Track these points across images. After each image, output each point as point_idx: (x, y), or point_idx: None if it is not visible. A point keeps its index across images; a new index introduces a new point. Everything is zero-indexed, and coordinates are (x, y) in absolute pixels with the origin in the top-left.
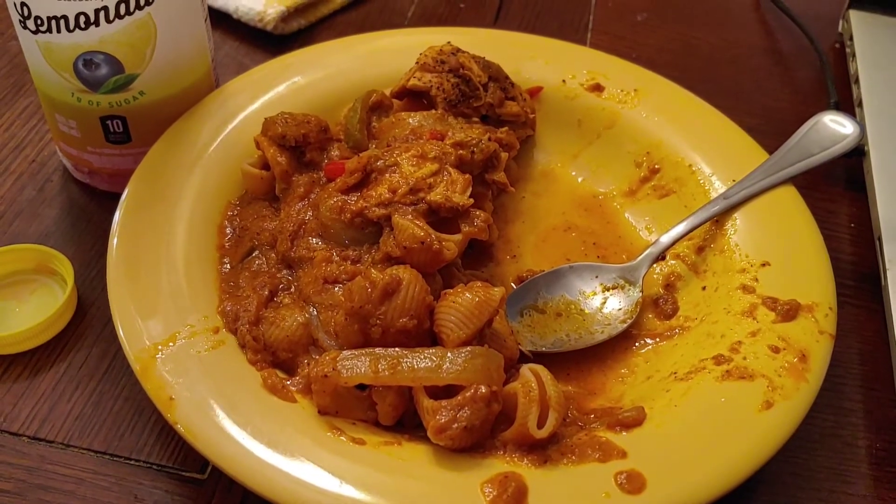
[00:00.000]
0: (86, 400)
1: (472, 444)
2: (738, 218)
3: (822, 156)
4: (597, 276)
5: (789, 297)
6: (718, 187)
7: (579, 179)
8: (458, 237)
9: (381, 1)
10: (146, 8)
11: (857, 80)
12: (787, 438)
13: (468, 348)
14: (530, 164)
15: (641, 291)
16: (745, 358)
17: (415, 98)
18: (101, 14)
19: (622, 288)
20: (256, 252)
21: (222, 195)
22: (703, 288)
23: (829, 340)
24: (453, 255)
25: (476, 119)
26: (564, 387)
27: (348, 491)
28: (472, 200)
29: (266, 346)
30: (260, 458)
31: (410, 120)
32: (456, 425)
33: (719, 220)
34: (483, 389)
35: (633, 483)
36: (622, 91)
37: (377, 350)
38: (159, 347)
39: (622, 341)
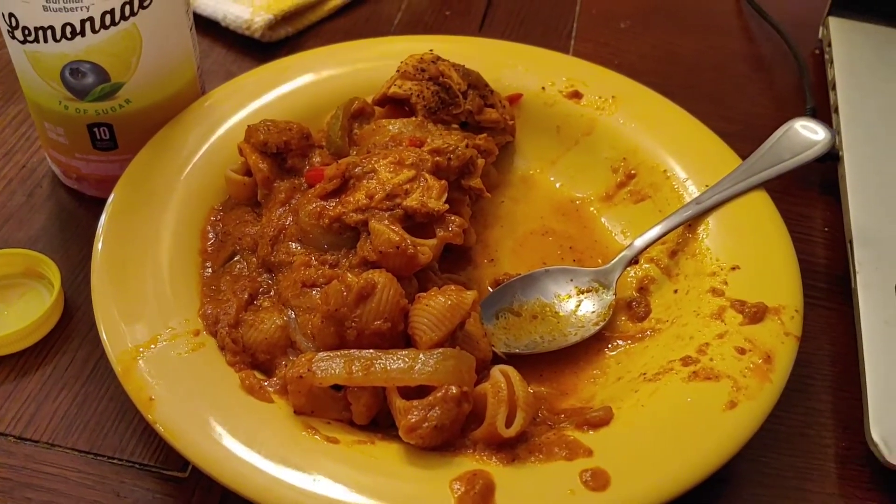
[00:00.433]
0: (71, 401)
1: (443, 442)
2: (711, 222)
3: (793, 161)
4: (571, 280)
5: (757, 300)
6: (692, 192)
7: (557, 185)
8: (432, 242)
9: (369, 9)
10: (131, 18)
11: (834, 86)
12: (749, 437)
13: (440, 350)
14: (510, 170)
15: (615, 294)
16: (711, 359)
17: (396, 105)
18: (87, 24)
19: (596, 291)
20: (238, 256)
21: (206, 201)
22: (675, 291)
23: (794, 342)
24: (428, 259)
25: (455, 126)
26: (537, 388)
27: (322, 488)
28: (447, 206)
29: (245, 348)
30: (237, 456)
31: (391, 127)
32: (426, 424)
33: (692, 224)
34: (453, 390)
35: (597, 480)
36: (600, 98)
37: (352, 351)
38: (141, 349)
39: (595, 343)
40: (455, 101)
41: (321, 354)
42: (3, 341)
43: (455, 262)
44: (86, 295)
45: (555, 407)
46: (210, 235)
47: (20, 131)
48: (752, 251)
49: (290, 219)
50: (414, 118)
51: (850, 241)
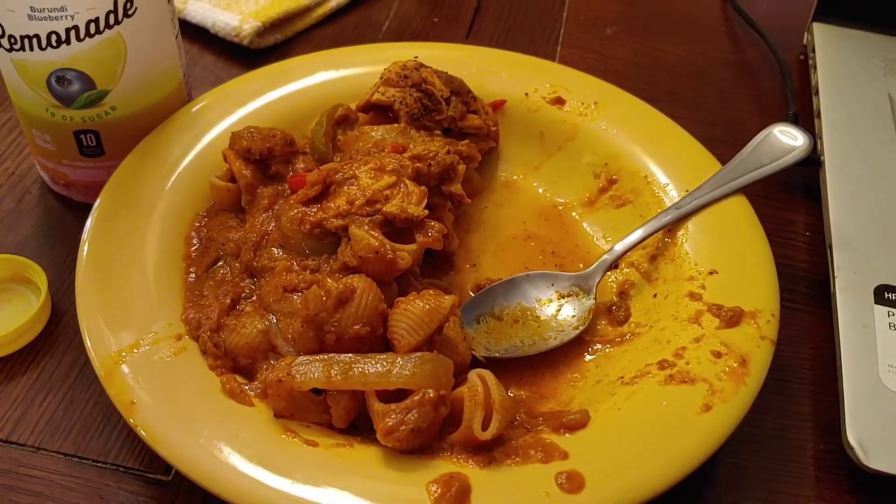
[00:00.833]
0: (57, 405)
1: (420, 445)
2: (690, 227)
3: (772, 166)
4: (552, 284)
5: (734, 304)
6: (673, 197)
7: (540, 190)
8: (412, 247)
9: (357, 16)
10: (116, 27)
11: (817, 92)
12: (724, 440)
13: (418, 354)
14: (493, 176)
15: (595, 299)
16: (688, 363)
17: (379, 112)
18: (72, 33)
19: (576, 295)
20: (221, 262)
21: (191, 207)
22: (655, 295)
23: (769, 346)
24: (407, 265)
25: (438, 132)
26: (517, 391)
27: (300, 491)
28: (426, 212)
29: (227, 352)
30: (218, 459)
31: (374, 133)
32: (404, 427)
33: (672, 228)
34: (431, 393)
35: (572, 483)
36: (583, 104)
37: (331, 356)
38: (123, 354)
39: (575, 347)
40: (438, 108)
41: (301, 359)
42: None
43: (438, 266)
44: (73, 300)
45: (533, 410)
46: (194, 241)
47: (10, 138)
48: (730, 256)
49: (272, 224)
50: (397, 125)
51: (830, 245)
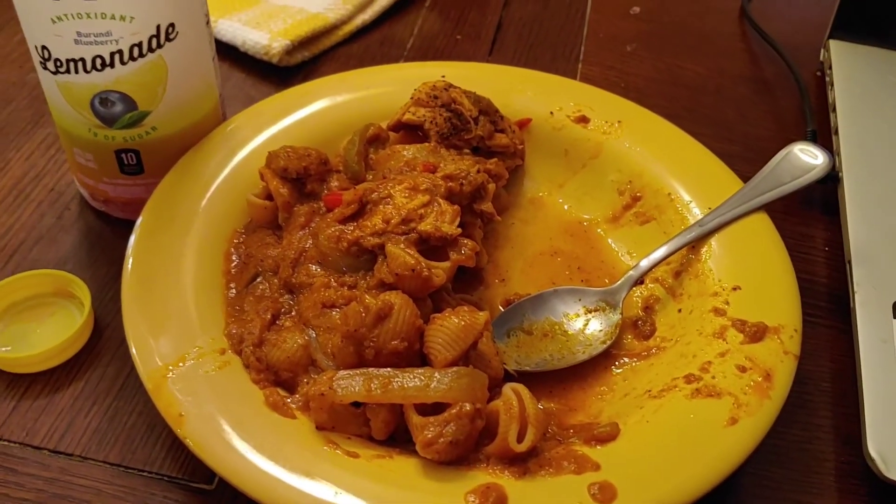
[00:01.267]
0: (102, 415)
1: (458, 457)
2: (714, 244)
3: (792, 184)
4: (580, 300)
5: (757, 320)
6: (696, 214)
7: (565, 207)
8: (446, 264)
9: (382, 33)
10: (158, 51)
11: (834, 109)
12: (749, 452)
13: (454, 368)
14: (519, 193)
15: (621, 314)
16: (713, 377)
17: (410, 131)
18: (116, 56)
19: (603, 310)
20: (260, 278)
21: (229, 224)
22: (679, 310)
23: (793, 360)
24: (442, 282)
25: (467, 151)
26: (547, 404)
27: (343, 500)
28: (459, 230)
29: (268, 366)
30: (262, 469)
31: (405, 152)
32: (442, 440)
33: (695, 245)
34: (467, 407)
35: (605, 493)
36: (607, 122)
37: (371, 370)
38: (170, 367)
39: (602, 361)
40: (467, 127)
41: (341, 373)
42: (37, 359)
43: (468, 282)
44: (114, 313)
45: (564, 422)
46: (233, 257)
47: (48, 154)
48: (753, 272)
49: (309, 242)
50: (427, 143)
51: (849, 261)
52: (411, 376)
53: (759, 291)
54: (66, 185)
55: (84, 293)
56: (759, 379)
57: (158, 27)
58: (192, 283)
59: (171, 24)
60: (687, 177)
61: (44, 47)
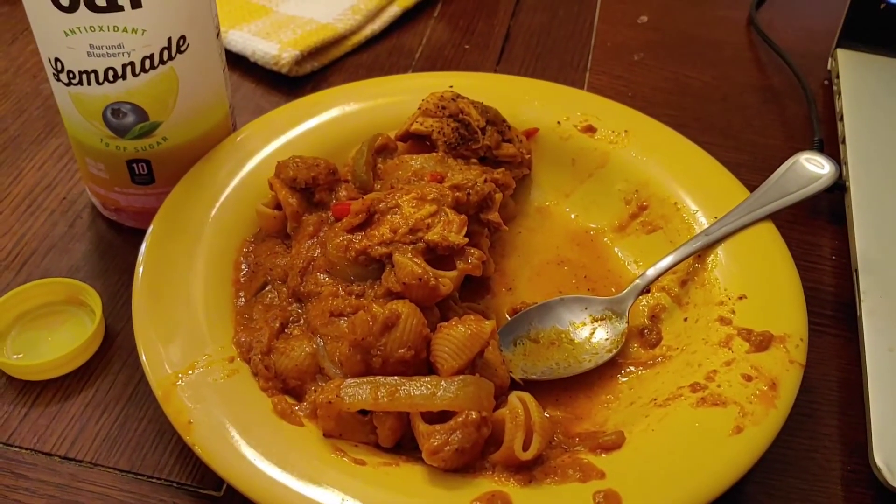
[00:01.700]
0: (112, 422)
1: (464, 465)
2: (720, 253)
3: (798, 194)
4: (586, 308)
5: (763, 329)
6: (702, 223)
7: (572, 216)
8: (453, 273)
9: (390, 43)
10: (169, 62)
11: (841, 118)
12: (755, 461)
13: (461, 377)
14: (526, 202)
15: (627, 322)
16: (719, 386)
17: (418, 141)
18: (128, 68)
19: (609, 319)
20: (269, 287)
21: (238, 233)
22: (685, 319)
23: (798, 369)
24: (449, 291)
25: (475, 160)
26: (553, 412)
27: None
28: (466, 239)
29: (277, 374)
30: (270, 476)
31: (413, 162)
32: (448, 448)
33: (702, 254)
34: (473, 415)
35: (609, 501)
36: (613, 132)
37: (378, 378)
38: (179, 375)
39: (608, 369)
40: (474, 137)
41: (349, 381)
42: (48, 366)
43: (474, 290)
44: (125, 321)
45: (569, 431)
46: (242, 266)
47: (61, 164)
48: (759, 281)
49: (318, 251)
50: (435, 153)
51: (856, 270)
52: (418, 385)
53: (764, 300)
54: (78, 194)
55: (95, 301)
56: (765, 388)
57: (170, 39)
58: (201, 291)
59: (182, 37)
60: (693, 186)
61: (57, 59)
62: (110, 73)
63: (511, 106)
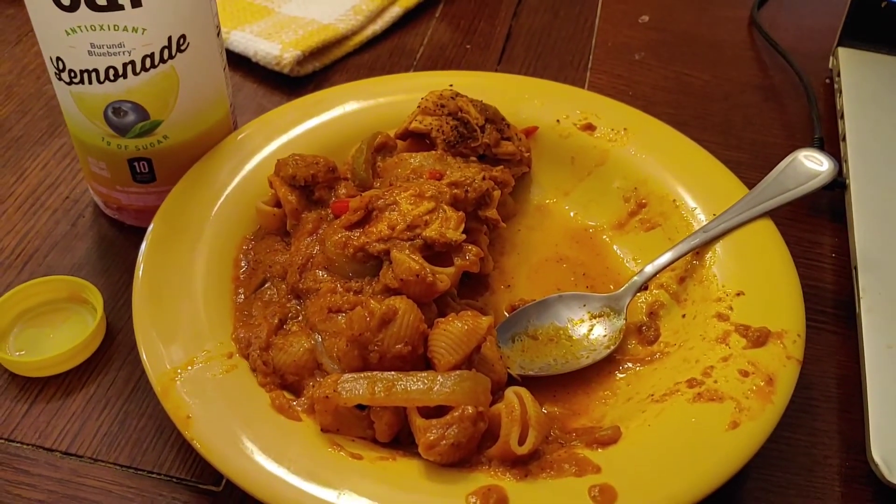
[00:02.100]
0: (113, 419)
1: (460, 459)
2: (718, 249)
3: (797, 191)
4: (584, 305)
5: (760, 325)
6: (700, 220)
7: (571, 214)
8: (450, 270)
9: (392, 44)
10: (169, 61)
11: (842, 116)
12: (751, 456)
13: (457, 372)
14: (526, 200)
15: (625, 319)
16: (716, 381)
17: (417, 139)
18: (129, 67)
19: (607, 316)
20: (268, 283)
21: (238, 231)
22: (683, 316)
23: (795, 365)
24: (446, 287)
25: (474, 158)
26: (550, 408)
27: (347, 501)
28: (464, 236)
29: (275, 369)
30: (268, 470)
31: (412, 160)
32: (444, 442)
33: (700, 251)
34: (470, 410)
35: (605, 495)
36: (612, 130)
37: (375, 373)
38: (178, 371)
39: (606, 365)
40: (473, 135)
41: (346, 376)
42: (50, 362)
43: (473, 287)
44: (126, 319)
45: (567, 426)
46: (242, 264)
47: (63, 163)
48: (757, 278)
49: (317, 248)
50: (434, 152)
51: (855, 267)
52: (415, 379)
53: (762, 297)
54: (80, 193)
55: (97, 299)
56: (762, 383)
57: (170, 38)
58: (201, 288)
59: (182, 36)
60: (692, 183)
61: (58, 59)
62: (111, 71)
63: (510, 104)
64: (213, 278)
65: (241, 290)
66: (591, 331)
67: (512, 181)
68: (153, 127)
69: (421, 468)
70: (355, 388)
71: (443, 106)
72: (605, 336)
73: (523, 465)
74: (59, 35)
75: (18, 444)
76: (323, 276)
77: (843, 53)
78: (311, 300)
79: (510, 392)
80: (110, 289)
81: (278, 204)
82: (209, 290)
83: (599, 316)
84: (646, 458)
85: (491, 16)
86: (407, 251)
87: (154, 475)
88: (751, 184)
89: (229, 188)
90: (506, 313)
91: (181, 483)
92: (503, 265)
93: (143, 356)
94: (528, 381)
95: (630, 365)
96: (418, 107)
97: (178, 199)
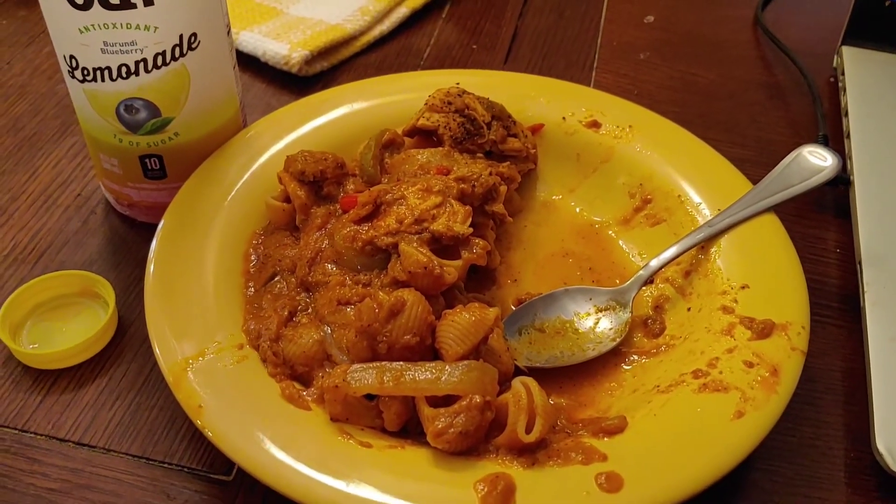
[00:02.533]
0: (125, 409)
1: (468, 448)
2: (723, 244)
3: (801, 186)
4: (590, 299)
5: (765, 317)
6: (705, 215)
7: (577, 209)
8: (458, 263)
9: (399, 44)
10: (181, 59)
11: (846, 113)
12: (756, 445)
13: (465, 362)
14: (532, 196)
15: (631, 312)
16: (721, 372)
17: (424, 136)
18: (141, 65)
19: (613, 309)
20: (278, 277)
21: (248, 225)
22: (689, 309)
23: (800, 356)
24: (453, 279)
25: (480, 155)
26: (557, 399)
27: (355, 489)
28: (471, 230)
29: (285, 360)
30: (278, 459)
31: (419, 156)
32: (452, 430)
33: (705, 245)
34: (477, 399)
35: (611, 483)
36: (618, 127)
37: (383, 364)
38: (190, 362)
39: (612, 358)
40: (479, 132)
41: (355, 366)
42: (63, 355)
43: (480, 282)
44: (138, 312)
45: (573, 417)
46: (252, 258)
47: (75, 161)
48: (761, 271)
49: (326, 242)
50: (441, 148)
51: (860, 262)
52: (423, 369)
53: (767, 289)
54: (92, 190)
55: (109, 293)
56: (766, 374)
57: (181, 36)
58: (212, 282)
59: (194, 34)
60: (697, 179)
61: (72, 56)
62: (123, 69)
63: (517, 102)
64: (224, 272)
65: (251, 284)
66: (597, 324)
67: (518, 177)
68: (164, 124)
69: (429, 456)
70: (364, 377)
71: (450, 103)
72: (611, 329)
73: (531, 453)
74: (72, 33)
75: (32, 435)
76: (332, 269)
77: (848, 52)
78: (320, 293)
79: (517, 381)
80: (122, 283)
81: (287, 199)
82: (220, 284)
83: (605, 309)
84: (652, 446)
85: (497, 16)
86: (415, 244)
87: (165, 465)
88: (755, 180)
89: (239, 184)
90: (513, 307)
91: (192, 472)
92: (510, 260)
93: (156, 347)
94: (535, 374)
95: (636, 357)
96: (426, 104)
97: (188, 195)
